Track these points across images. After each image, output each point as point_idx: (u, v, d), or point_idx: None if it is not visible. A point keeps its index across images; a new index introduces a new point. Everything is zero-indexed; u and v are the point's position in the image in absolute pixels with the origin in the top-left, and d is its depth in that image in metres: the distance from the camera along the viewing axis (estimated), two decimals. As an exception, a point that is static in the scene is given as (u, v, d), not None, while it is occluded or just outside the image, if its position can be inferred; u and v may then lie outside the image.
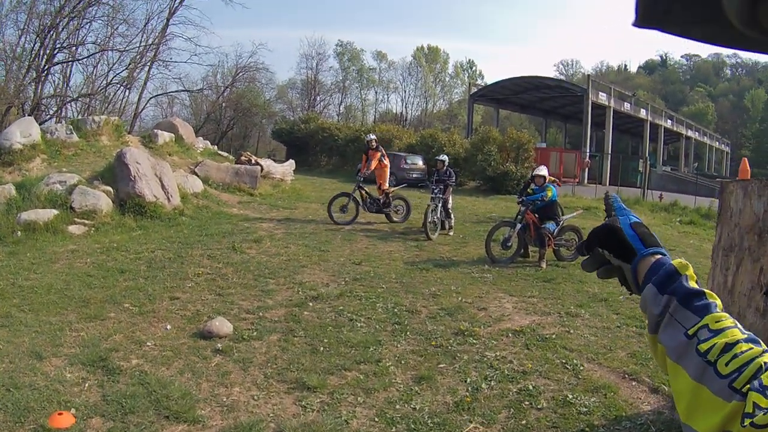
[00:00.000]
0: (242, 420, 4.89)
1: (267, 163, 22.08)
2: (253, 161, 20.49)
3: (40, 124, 19.37)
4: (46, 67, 30.98)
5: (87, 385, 5.63)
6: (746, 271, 4.03)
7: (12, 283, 8.82)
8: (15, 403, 5.33)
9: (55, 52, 31.37)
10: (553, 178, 16.42)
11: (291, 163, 24.19)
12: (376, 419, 4.93)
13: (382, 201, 15.59)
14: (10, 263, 9.94)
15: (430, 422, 4.88)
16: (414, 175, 28.19)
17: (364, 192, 15.49)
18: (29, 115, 25.66)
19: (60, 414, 5.03)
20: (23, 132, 15.99)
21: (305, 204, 18.38)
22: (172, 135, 20.44)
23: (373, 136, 16.49)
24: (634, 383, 5.74)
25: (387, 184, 15.97)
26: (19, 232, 11.65)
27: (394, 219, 15.69)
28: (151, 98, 43.07)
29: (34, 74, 30.47)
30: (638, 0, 0.81)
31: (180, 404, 5.11)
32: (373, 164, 15.53)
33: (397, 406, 5.16)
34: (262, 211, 16.24)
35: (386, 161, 15.96)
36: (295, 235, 13.06)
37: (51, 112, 32.21)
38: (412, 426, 4.81)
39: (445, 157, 15.34)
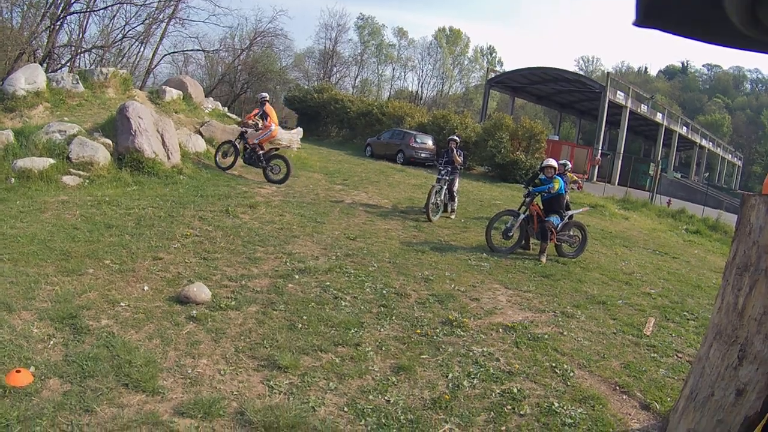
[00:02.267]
0: (204, 395, 4.63)
1: (274, 129, 21.76)
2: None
3: (50, 73, 19.10)
4: (62, 15, 30.66)
5: (52, 342, 5.43)
6: (760, 294, 3.68)
7: (-3, 232, 8.61)
8: (-25, 356, 5.13)
9: (72, 1, 31.06)
10: (576, 178, 16.09)
11: (299, 131, 23.95)
12: (346, 409, 4.63)
13: (258, 156, 15.63)
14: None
15: (402, 418, 4.58)
16: (422, 155, 27.98)
17: (246, 143, 15.81)
18: (41, 64, 25.47)
19: (18, 371, 4.85)
20: (28, 78, 15.76)
21: (308, 173, 18.07)
22: (181, 93, 20.13)
23: (263, 95, 16.96)
24: (624, 397, 5.41)
25: (255, 140, 15.85)
26: (13, 179, 11.45)
27: (272, 178, 15.48)
28: (165, 55, 42.75)
29: (49, 22, 30.19)
30: (639, 0, 0.81)
31: (142, 372, 4.87)
32: (248, 117, 16.40)
33: (371, 397, 4.85)
34: (263, 176, 15.89)
35: (267, 122, 16.03)
36: (292, 203, 12.76)
37: (63, 62, 31.98)
38: (383, 421, 4.51)
39: (457, 138, 15.06)
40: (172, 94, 19.66)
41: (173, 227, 9.62)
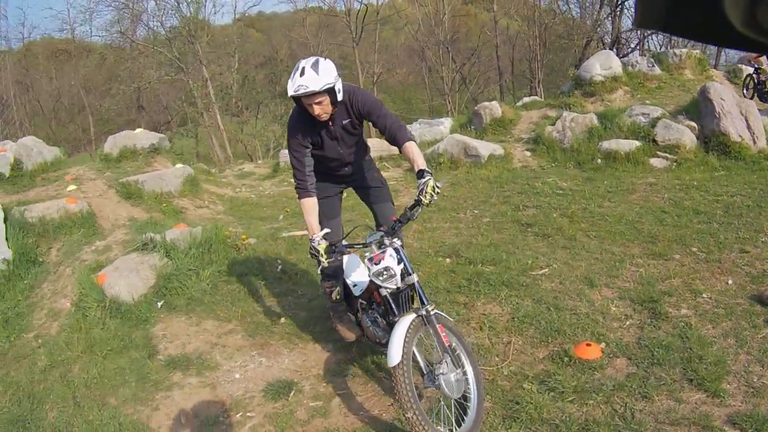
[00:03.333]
0: (761, 410, 4.35)
1: None
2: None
3: (621, 57, 19.87)
4: (620, 1, 31.96)
5: (628, 323, 5.73)
6: None
7: (584, 208, 9.34)
8: (549, 322, 5.77)
9: (624, -12, 32.14)
10: None
11: None
12: None
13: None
14: (585, 188, 10.55)
15: None
16: None
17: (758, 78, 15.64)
18: (610, 49, 26.85)
19: (588, 345, 5.25)
20: (603, 64, 16.70)
21: None
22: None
23: None
24: None
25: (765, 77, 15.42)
26: (599, 160, 12.27)
27: None
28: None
29: (609, 9, 31.67)
30: (637, 1, 0.83)
31: (709, 371, 4.84)
32: (755, 58, 15.81)
33: None
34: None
35: None
36: None
37: (632, 46, 32.95)
38: None
39: None
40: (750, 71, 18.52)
41: (761, 219, 8.91)
